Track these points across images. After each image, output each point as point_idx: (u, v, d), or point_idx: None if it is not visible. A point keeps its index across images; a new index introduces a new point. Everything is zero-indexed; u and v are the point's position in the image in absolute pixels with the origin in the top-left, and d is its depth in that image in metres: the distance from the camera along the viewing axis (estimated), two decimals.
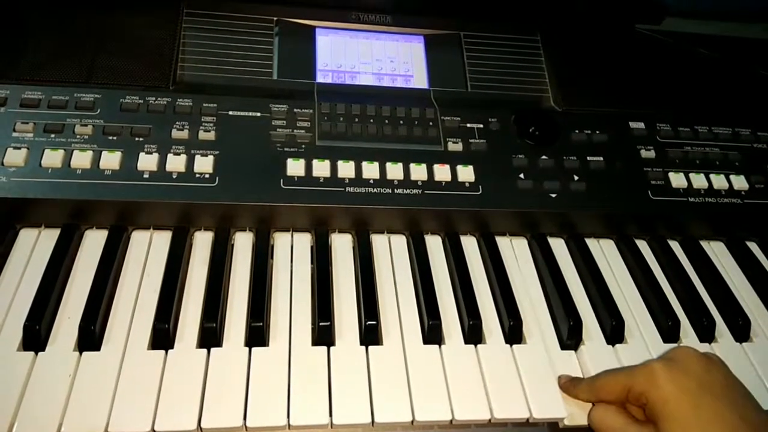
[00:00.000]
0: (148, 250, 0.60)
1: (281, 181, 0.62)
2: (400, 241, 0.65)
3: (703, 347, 0.59)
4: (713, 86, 0.79)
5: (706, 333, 0.60)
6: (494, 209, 0.64)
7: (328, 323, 0.54)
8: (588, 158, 0.68)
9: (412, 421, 0.50)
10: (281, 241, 0.63)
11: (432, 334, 0.55)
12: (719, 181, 0.69)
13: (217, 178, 0.61)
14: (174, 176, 0.60)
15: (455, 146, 0.67)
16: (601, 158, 0.69)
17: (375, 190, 0.63)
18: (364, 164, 0.64)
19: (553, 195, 0.65)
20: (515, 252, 0.66)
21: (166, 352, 0.51)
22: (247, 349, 0.52)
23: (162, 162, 0.61)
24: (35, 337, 0.51)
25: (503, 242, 0.66)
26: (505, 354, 0.55)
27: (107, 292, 0.55)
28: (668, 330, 0.59)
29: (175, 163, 0.61)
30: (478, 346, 0.56)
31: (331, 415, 0.49)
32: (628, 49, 0.80)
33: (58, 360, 0.50)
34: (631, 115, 0.73)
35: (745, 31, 0.85)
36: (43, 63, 0.66)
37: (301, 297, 0.58)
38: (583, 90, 0.74)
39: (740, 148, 0.73)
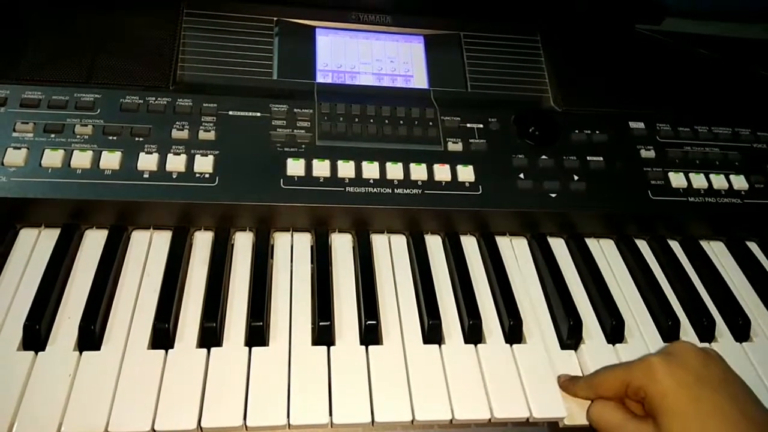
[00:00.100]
0: (148, 250, 0.60)
1: (281, 180, 0.62)
2: (400, 241, 0.65)
3: (703, 347, 0.58)
4: (713, 86, 0.79)
5: (706, 333, 0.60)
6: (494, 209, 0.64)
7: (328, 323, 0.54)
8: (588, 158, 0.68)
9: (412, 421, 0.50)
10: (281, 240, 0.63)
11: (432, 333, 0.55)
12: (719, 181, 0.69)
13: (217, 178, 0.61)
14: (174, 176, 0.60)
15: (455, 146, 0.67)
16: (601, 158, 0.69)
17: (375, 190, 0.63)
18: (364, 164, 0.64)
19: (553, 195, 0.65)
20: (515, 252, 0.66)
21: (166, 352, 0.51)
22: (247, 348, 0.52)
23: (162, 162, 0.61)
24: (35, 336, 0.51)
25: (503, 242, 0.66)
26: (505, 354, 0.55)
27: (107, 292, 0.55)
28: (668, 329, 0.59)
29: (175, 163, 0.61)
30: (478, 345, 0.56)
31: (331, 414, 0.49)
32: (628, 50, 0.80)
33: (58, 360, 0.50)
34: (631, 115, 0.73)
35: (745, 31, 0.85)
36: (43, 63, 0.66)
37: (301, 297, 0.58)
38: (583, 90, 0.74)
39: (740, 148, 0.73)
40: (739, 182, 0.70)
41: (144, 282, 0.57)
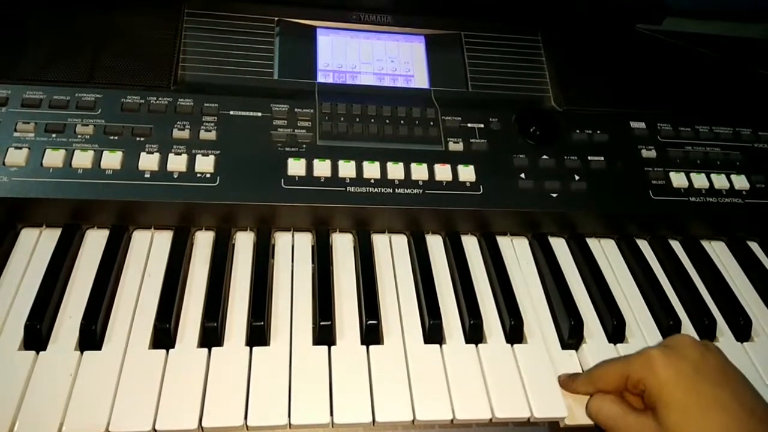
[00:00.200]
0: (149, 250, 0.60)
1: (282, 180, 0.62)
2: (400, 241, 0.65)
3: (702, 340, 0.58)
4: (714, 86, 0.79)
5: (707, 332, 0.60)
6: (495, 209, 0.64)
7: (329, 323, 0.54)
8: (589, 158, 0.68)
9: (413, 421, 0.50)
10: (282, 240, 0.63)
11: (433, 333, 0.55)
12: (720, 181, 0.69)
13: (218, 178, 0.61)
14: (175, 176, 0.60)
15: (456, 146, 0.67)
16: (602, 158, 0.69)
17: (376, 189, 0.63)
18: (365, 164, 0.64)
19: (554, 195, 0.65)
20: (516, 251, 0.66)
21: (167, 352, 0.51)
22: (248, 348, 0.53)
23: (163, 162, 0.61)
24: (36, 336, 0.51)
25: (504, 242, 0.66)
26: (506, 353, 0.55)
27: (108, 292, 0.55)
28: (669, 329, 0.59)
29: (176, 162, 0.61)
30: (479, 345, 0.56)
31: (332, 414, 0.49)
32: (628, 49, 0.80)
33: (59, 359, 0.50)
34: (631, 115, 0.73)
35: (745, 31, 0.85)
36: (44, 63, 0.66)
37: (301, 296, 0.58)
38: (584, 90, 0.74)
39: (741, 148, 0.73)
40: (740, 182, 0.70)
41: (145, 282, 0.57)
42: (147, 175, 0.60)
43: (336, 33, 0.76)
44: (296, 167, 0.62)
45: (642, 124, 0.72)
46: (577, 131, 0.70)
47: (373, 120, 0.67)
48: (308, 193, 0.61)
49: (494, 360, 0.54)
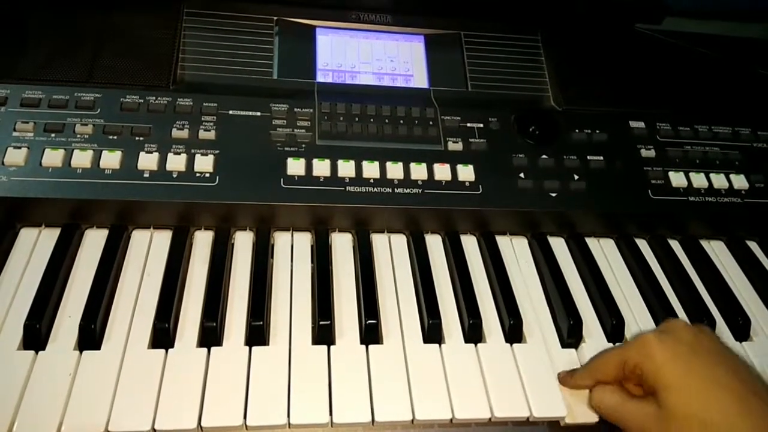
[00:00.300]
0: (148, 250, 0.60)
1: (281, 180, 0.62)
2: (400, 241, 0.65)
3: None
4: (713, 86, 0.79)
5: None
6: (494, 208, 0.64)
7: (329, 322, 0.54)
8: (588, 157, 0.68)
9: (413, 420, 0.50)
10: (281, 240, 0.63)
11: (432, 333, 0.56)
12: (719, 181, 0.69)
13: (217, 178, 0.61)
14: (174, 175, 0.60)
15: (455, 146, 0.67)
16: (601, 157, 0.69)
17: (375, 189, 0.63)
18: (365, 164, 0.64)
19: (553, 194, 0.65)
20: (515, 251, 0.66)
21: (167, 351, 0.51)
22: (247, 348, 0.52)
23: (162, 161, 0.61)
24: (35, 336, 0.51)
25: (503, 241, 0.66)
26: (506, 353, 0.55)
27: (107, 291, 0.55)
28: None
29: (176, 162, 0.61)
30: (479, 345, 0.56)
31: (331, 414, 0.49)
32: (628, 49, 0.80)
33: (58, 359, 0.50)
34: (631, 115, 0.73)
35: (745, 31, 0.85)
36: (43, 63, 0.66)
37: (301, 296, 0.58)
38: (584, 89, 0.74)
39: (740, 148, 0.73)
40: (740, 181, 0.70)
41: (144, 281, 0.57)
42: (146, 175, 0.60)
43: (335, 32, 0.76)
44: (295, 167, 0.62)
45: (641, 124, 0.72)
46: (577, 131, 0.70)
47: (372, 120, 0.67)
48: (307, 192, 0.61)
49: (493, 359, 0.54)
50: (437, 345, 0.55)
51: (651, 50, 0.80)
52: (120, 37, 0.69)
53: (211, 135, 0.63)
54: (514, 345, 0.56)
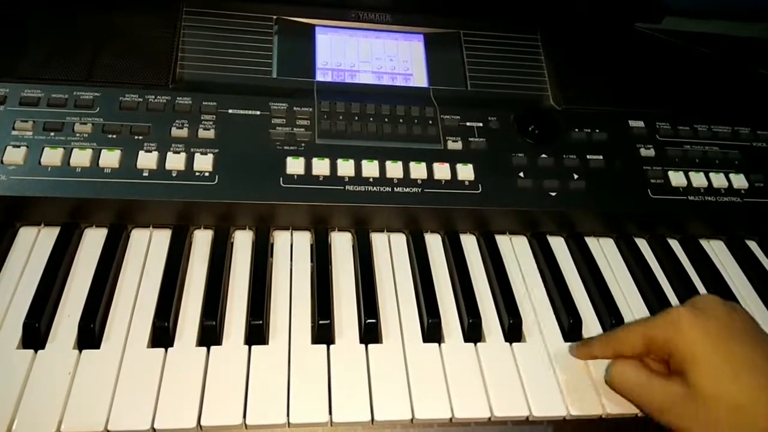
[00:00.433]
0: (147, 249, 0.60)
1: (281, 179, 0.62)
2: (399, 240, 0.65)
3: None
4: (713, 85, 0.79)
5: None
6: (494, 208, 0.64)
7: (328, 321, 0.54)
8: (588, 157, 0.68)
9: (412, 420, 0.50)
10: (281, 239, 0.63)
11: (432, 332, 0.55)
12: (719, 180, 0.69)
13: (216, 177, 0.61)
14: (173, 174, 0.60)
15: (455, 145, 0.67)
16: (601, 157, 0.69)
17: (375, 188, 0.63)
18: (364, 163, 0.64)
19: (553, 194, 0.65)
20: (515, 250, 0.66)
21: (166, 350, 0.51)
22: (246, 347, 0.52)
23: (161, 160, 0.61)
24: (35, 335, 0.51)
25: (503, 241, 0.66)
26: (505, 352, 0.55)
27: (107, 290, 0.55)
28: None
29: (175, 161, 0.61)
30: (478, 344, 0.56)
31: (330, 413, 0.49)
32: (627, 48, 0.80)
33: (57, 358, 0.50)
34: (630, 114, 0.73)
35: (745, 30, 0.85)
36: (42, 61, 0.65)
37: (300, 295, 0.58)
38: (583, 89, 0.74)
39: (740, 147, 0.73)
40: (739, 181, 0.70)
41: (143, 280, 0.57)
42: (145, 174, 0.60)
43: (335, 31, 0.76)
44: (295, 166, 0.62)
45: (641, 123, 0.72)
46: (576, 130, 0.70)
47: (371, 119, 0.67)
48: (307, 191, 0.61)
49: (493, 359, 0.54)
50: (437, 344, 0.55)
51: (651, 50, 0.80)
52: (119, 36, 0.69)
53: (210, 134, 0.63)
54: (514, 344, 0.56)
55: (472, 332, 0.56)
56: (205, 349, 0.52)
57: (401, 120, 0.68)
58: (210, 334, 0.53)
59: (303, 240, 0.63)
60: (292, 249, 0.62)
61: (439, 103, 0.70)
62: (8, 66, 0.65)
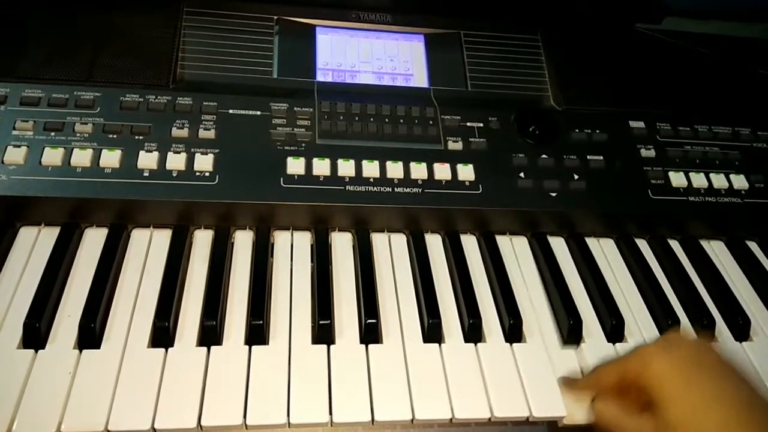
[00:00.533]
0: (148, 249, 0.60)
1: (281, 179, 0.62)
2: (400, 240, 0.65)
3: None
4: (713, 86, 0.79)
5: (706, 332, 0.60)
6: (494, 208, 0.64)
7: (328, 322, 0.54)
8: (588, 157, 0.68)
9: (412, 420, 0.50)
10: (281, 239, 0.63)
11: (432, 332, 0.55)
12: (719, 181, 0.69)
13: (217, 177, 0.61)
14: (174, 174, 0.60)
15: (455, 145, 0.67)
16: (601, 157, 0.69)
17: (375, 188, 0.63)
18: (365, 163, 0.64)
19: (553, 194, 0.65)
20: (515, 251, 0.66)
21: (166, 350, 0.51)
22: (247, 347, 0.52)
23: (162, 160, 0.61)
24: (35, 334, 0.51)
25: (503, 241, 0.66)
26: (505, 353, 0.55)
27: (107, 290, 0.55)
28: (668, 329, 0.59)
29: (175, 161, 0.61)
30: (478, 344, 0.56)
31: (331, 413, 0.49)
32: (628, 49, 0.80)
33: (58, 358, 0.50)
34: (631, 115, 0.73)
35: (745, 31, 0.85)
36: (43, 61, 0.65)
37: (301, 295, 0.58)
38: (584, 89, 0.74)
39: (740, 148, 0.73)
40: (739, 182, 0.70)
41: (144, 280, 0.57)
42: (146, 174, 0.60)
43: (335, 32, 0.76)
44: (295, 166, 0.62)
45: (641, 124, 0.72)
46: (577, 131, 0.70)
47: (372, 119, 0.67)
48: (307, 192, 0.61)
49: (493, 359, 0.54)
50: (437, 345, 0.55)
51: (651, 50, 0.80)
52: (120, 36, 0.69)
53: (210, 134, 0.63)
54: (514, 345, 0.56)
55: (473, 332, 0.56)
56: (205, 349, 0.52)
57: (402, 120, 0.68)
58: (210, 334, 0.53)
59: (303, 240, 0.63)
60: (292, 249, 0.62)
61: (439, 103, 0.70)
62: (9, 66, 0.65)
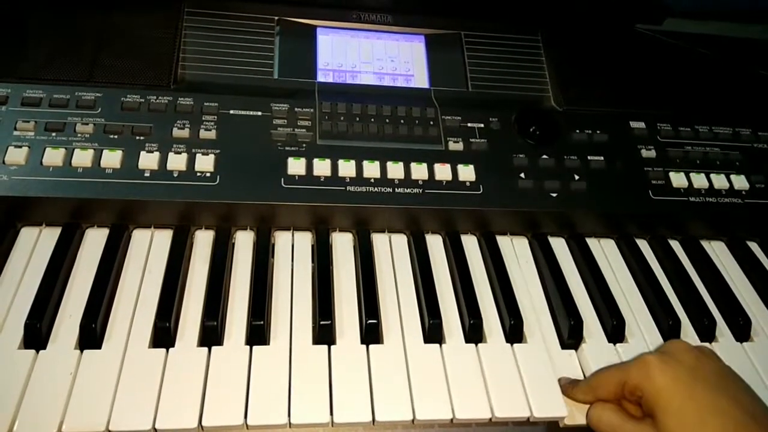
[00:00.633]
0: (149, 249, 0.60)
1: (282, 180, 0.62)
2: (400, 240, 0.65)
3: (698, 345, 0.58)
4: (713, 86, 0.79)
5: (707, 332, 0.60)
6: (495, 208, 0.64)
7: (329, 322, 0.54)
8: (589, 158, 0.68)
9: (413, 420, 0.50)
10: (282, 239, 0.63)
11: (433, 333, 0.56)
12: (720, 181, 0.69)
13: (218, 177, 0.61)
14: (175, 175, 0.60)
15: (456, 146, 0.67)
16: (602, 158, 0.69)
17: (376, 189, 0.63)
18: (365, 163, 0.64)
19: (554, 194, 0.65)
20: (516, 251, 0.66)
21: (167, 351, 0.51)
22: (248, 347, 0.53)
23: (163, 161, 0.61)
24: (36, 335, 0.51)
25: (504, 241, 0.66)
26: (506, 353, 0.55)
27: (108, 291, 0.55)
28: (669, 329, 0.59)
29: (176, 161, 0.61)
30: (479, 345, 0.56)
31: (332, 413, 0.49)
32: (628, 49, 0.80)
33: (59, 358, 0.50)
34: (631, 115, 0.73)
35: (745, 32, 0.85)
36: (44, 62, 0.66)
37: (301, 296, 0.58)
38: (584, 90, 0.74)
39: (741, 148, 0.73)
40: (740, 182, 0.70)
41: (145, 281, 0.57)
42: (147, 174, 0.60)
43: (336, 32, 0.76)
44: (296, 166, 0.62)
45: (642, 124, 0.72)
46: (577, 131, 0.70)
47: (373, 119, 0.67)
48: (308, 192, 0.61)
49: (494, 360, 0.54)
50: (438, 345, 0.55)
51: (651, 51, 0.80)
52: (121, 37, 0.69)
53: (211, 134, 0.63)
54: (515, 345, 0.56)
55: (473, 333, 0.56)
56: (206, 349, 0.52)
57: (402, 121, 0.68)
58: (211, 335, 0.53)
59: (304, 240, 0.63)
60: (293, 249, 0.62)
61: (440, 103, 0.70)
62: (10, 66, 0.65)
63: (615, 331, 0.58)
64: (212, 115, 0.65)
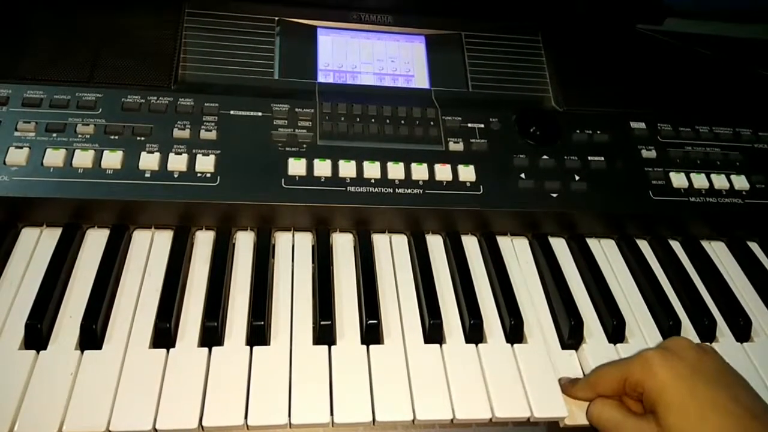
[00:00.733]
0: (149, 249, 0.60)
1: (282, 180, 0.62)
2: (401, 241, 0.65)
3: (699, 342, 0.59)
4: (714, 86, 0.79)
5: (707, 333, 0.60)
6: (495, 209, 0.64)
7: (329, 322, 0.54)
8: (589, 158, 0.68)
9: (413, 420, 0.50)
10: (282, 240, 0.63)
11: (433, 333, 0.56)
12: (720, 181, 0.69)
13: (218, 178, 0.61)
14: (175, 175, 0.60)
15: (456, 146, 0.67)
16: (602, 158, 0.69)
17: (376, 189, 0.63)
18: (366, 164, 0.64)
19: (554, 195, 0.66)
20: (516, 251, 0.66)
21: (168, 351, 0.51)
22: (248, 348, 0.53)
23: (163, 161, 0.61)
24: (37, 335, 0.51)
25: (504, 242, 0.66)
26: (506, 353, 0.55)
27: (109, 291, 0.55)
28: (669, 330, 0.59)
29: (177, 162, 0.61)
30: (479, 345, 0.56)
31: (332, 413, 0.49)
32: (629, 50, 0.80)
33: (59, 359, 0.50)
34: (632, 115, 0.73)
35: (745, 32, 0.85)
36: (44, 62, 0.66)
37: (302, 296, 0.58)
38: (584, 90, 0.74)
39: (741, 148, 0.73)
40: (740, 182, 0.70)
41: (145, 281, 0.57)
42: (147, 175, 0.60)
43: (336, 33, 0.76)
44: (296, 167, 0.62)
45: (642, 125, 0.72)
46: (577, 131, 0.70)
47: (373, 120, 0.67)
48: (308, 192, 0.61)
49: (494, 360, 0.54)
50: (438, 345, 0.55)
51: (652, 51, 0.80)
52: (121, 37, 0.69)
53: (212, 135, 0.63)
54: (515, 345, 0.56)
55: (474, 333, 0.56)
56: (206, 349, 0.52)
57: (403, 121, 0.68)
58: (212, 335, 0.53)
59: (304, 241, 0.63)
60: (293, 250, 0.62)
61: (440, 104, 0.70)
62: (11, 67, 0.65)
63: (615, 331, 0.58)
64: (213, 115, 0.65)
